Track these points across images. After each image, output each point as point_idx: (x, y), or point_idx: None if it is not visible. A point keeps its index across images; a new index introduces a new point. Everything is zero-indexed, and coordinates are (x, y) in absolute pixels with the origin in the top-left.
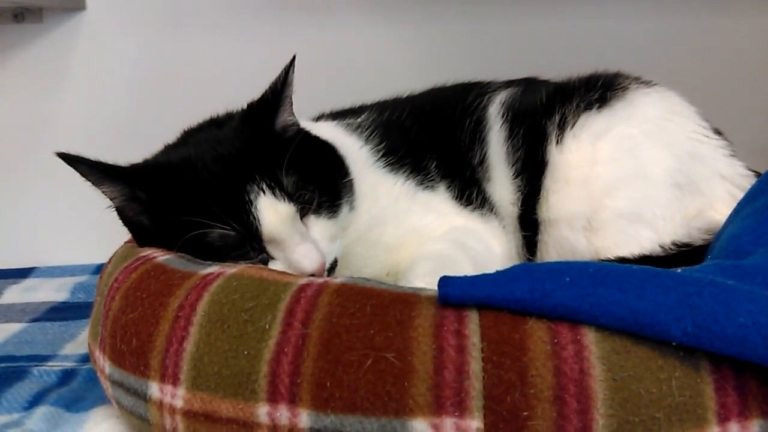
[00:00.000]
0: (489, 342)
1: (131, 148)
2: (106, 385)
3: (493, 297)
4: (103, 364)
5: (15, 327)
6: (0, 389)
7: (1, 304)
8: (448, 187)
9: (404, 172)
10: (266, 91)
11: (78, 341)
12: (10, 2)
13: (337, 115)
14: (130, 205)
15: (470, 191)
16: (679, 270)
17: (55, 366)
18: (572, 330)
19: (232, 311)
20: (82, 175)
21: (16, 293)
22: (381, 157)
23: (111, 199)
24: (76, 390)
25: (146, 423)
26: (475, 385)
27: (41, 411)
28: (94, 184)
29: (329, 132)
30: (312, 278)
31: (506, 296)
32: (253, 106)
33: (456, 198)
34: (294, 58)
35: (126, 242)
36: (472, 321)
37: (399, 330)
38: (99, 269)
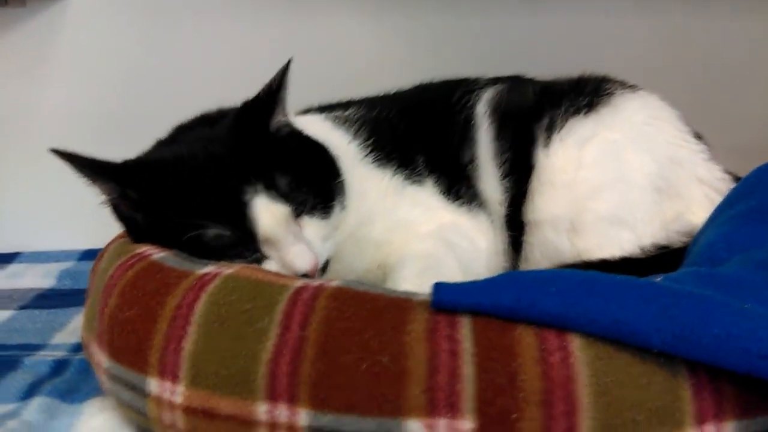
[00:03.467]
0: (480, 347)
1: (117, 136)
2: (103, 379)
3: (482, 304)
4: (101, 359)
5: (4, 314)
6: None
7: None
8: (435, 182)
9: (392, 167)
10: (261, 92)
11: (68, 330)
12: None
13: (324, 109)
14: (124, 203)
15: (458, 187)
16: (659, 278)
17: (47, 356)
18: (559, 337)
19: (230, 312)
20: (75, 171)
21: (2, 279)
22: (369, 152)
23: (104, 195)
24: (69, 380)
25: (144, 417)
26: (467, 388)
27: (37, 402)
28: (87, 180)
29: (318, 126)
30: (307, 280)
31: (495, 304)
32: (248, 106)
33: (444, 193)
34: (290, 60)
35: (117, 237)
36: (465, 326)
37: (393, 335)
38: (85, 255)
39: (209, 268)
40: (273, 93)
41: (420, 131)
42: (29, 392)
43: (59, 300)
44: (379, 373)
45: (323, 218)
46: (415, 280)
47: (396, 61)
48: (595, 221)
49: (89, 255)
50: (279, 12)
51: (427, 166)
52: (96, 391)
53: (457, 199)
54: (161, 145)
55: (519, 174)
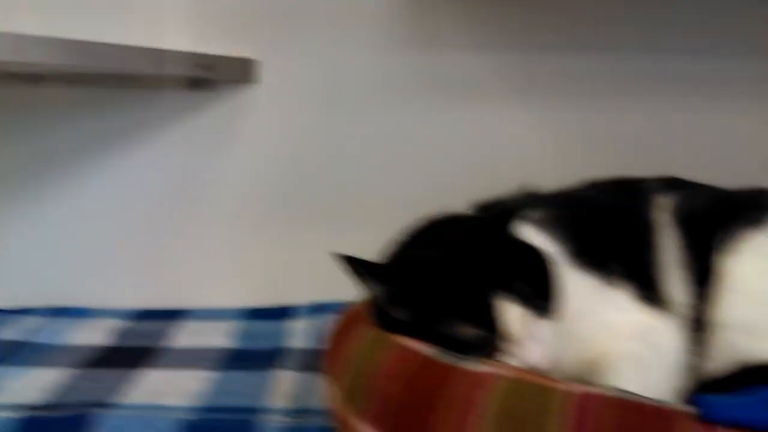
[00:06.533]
0: None
1: (283, 213)
2: None
3: (758, 420)
4: None
5: (213, 375)
6: None
7: (177, 348)
8: (629, 287)
9: (592, 271)
10: (504, 202)
11: (280, 394)
12: (187, 73)
13: (506, 207)
14: (389, 299)
15: (649, 291)
16: None
17: (274, 419)
18: None
19: (519, 414)
20: (350, 272)
21: (186, 336)
22: (572, 257)
23: (372, 294)
24: None
25: None
26: None
27: None
28: (358, 280)
29: (525, 231)
30: (587, 388)
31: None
32: (492, 217)
33: (638, 297)
34: None
35: (351, 315)
36: None
37: None
38: (249, 314)
39: (485, 368)
40: (516, 208)
41: (608, 236)
42: None
43: (250, 362)
44: None
45: (549, 318)
46: (631, 380)
47: (551, 156)
48: None
49: (258, 314)
50: (437, 104)
51: (622, 272)
52: None
53: (650, 303)
54: (414, 245)
55: (704, 279)
